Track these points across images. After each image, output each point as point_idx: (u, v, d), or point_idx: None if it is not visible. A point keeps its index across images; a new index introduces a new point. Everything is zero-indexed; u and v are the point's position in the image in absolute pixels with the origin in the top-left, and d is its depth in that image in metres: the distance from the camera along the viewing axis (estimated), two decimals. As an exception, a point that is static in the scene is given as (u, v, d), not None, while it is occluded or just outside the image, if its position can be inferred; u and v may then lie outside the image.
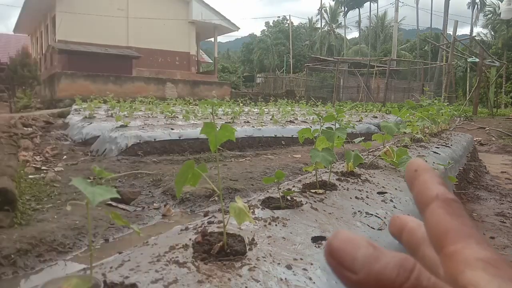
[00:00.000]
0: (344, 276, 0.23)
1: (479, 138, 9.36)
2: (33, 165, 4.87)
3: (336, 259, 0.23)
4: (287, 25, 48.44)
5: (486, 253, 0.26)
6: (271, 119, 9.04)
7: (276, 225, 1.50)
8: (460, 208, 0.29)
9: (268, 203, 1.74)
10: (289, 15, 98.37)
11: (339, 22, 52.46)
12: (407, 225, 0.34)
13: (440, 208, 0.28)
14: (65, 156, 5.76)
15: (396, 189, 2.40)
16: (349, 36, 62.88)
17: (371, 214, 1.86)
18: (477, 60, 17.65)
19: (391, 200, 2.14)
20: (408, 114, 3.49)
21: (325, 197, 1.96)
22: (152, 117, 8.92)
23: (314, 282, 1.14)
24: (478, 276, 0.24)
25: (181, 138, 6.40)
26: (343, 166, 2.62)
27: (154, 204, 3.70)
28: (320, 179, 2.18)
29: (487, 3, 42.32)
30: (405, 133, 3.65)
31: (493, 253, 0.26)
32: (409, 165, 0.32)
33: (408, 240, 0.34)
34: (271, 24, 51.00)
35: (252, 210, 1.62)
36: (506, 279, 0.24)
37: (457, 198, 0.30)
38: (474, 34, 37.49)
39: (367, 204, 2.00)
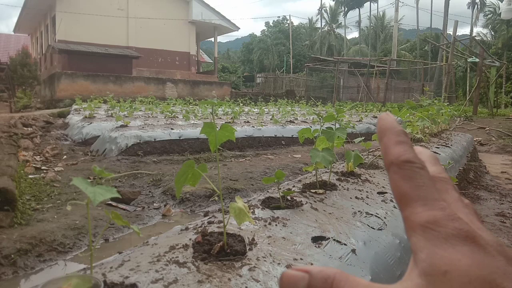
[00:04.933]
0: None
1: (479, 138, 9.36)
2: (33, 165, 4.87)
3: None
4: (287, 25, 48.42)
5: (428, 215, 0.27)
6: (271, 119, 9.04)
7: (276, 225, 1.50)
8: (412, 168, 0.29)
9: (268, 203, 1.74)
10: (289, 15, 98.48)
11: (339, 22, 52.42)
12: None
13: (395, 174, 0.29)
14: (65, 156, 5.76)
15: (396, 189, 2.40)
16: (349, 36, 62.88)
17: (371, 214, 1.86)
18: (477, 60, 17.64)
19: (391, 200, 2.14)
20: (408, 114, 3.49)
21: (325, 197, 1.96)
22: (152, 117, 8.92)
23: (314, 282, 1.14)
24: (417, 242, 0.27)
25: (181, 138, 6.40)
26: (343, 166, 2.62)
27: (154, 204, 3.70)
28: (320, 179, 2.18)
29: (487, 3, 42.29)
30: (405, 133, 3.65)
31: (437, 211, 0.27)
32: (377, 125, 0.33)
33: None
34: (271, 24, 50.99)
35: (252, 210, 1.62)
36: (438, 240, 0.26)
37: (412, 157, 0.29)
38: (474, 34, 37.49)
39: (367, 204, 2.00)
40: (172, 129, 6.64)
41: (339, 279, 0.26)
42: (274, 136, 7.70)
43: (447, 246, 0.26)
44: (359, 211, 1.87)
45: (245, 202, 1.49)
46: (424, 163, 0.30)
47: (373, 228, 1.72)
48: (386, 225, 1.79)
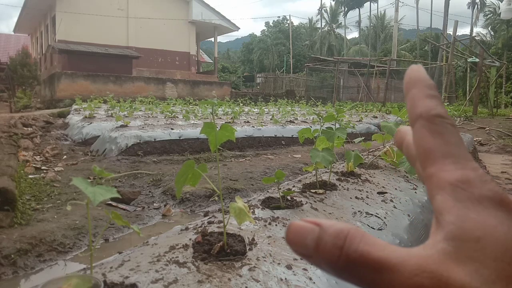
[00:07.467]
0: (305, 259, 0.25)
1: (479, 138, 9.36)
2: (33, 165, 4.87)
3: (294, 250, 0.25)
4: (287, 25, 48.44)
5: (460, 174, 0.25)
6: (271, 119, 9.04)
7: (276, 225, 1.50)
8: (443, 124, 0.27)
9: (268, 203, 1.74)
10: (289, 15, 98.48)
11: (339, 22, 52.45)
12: (406, 138, 0.32)
13: (423, 127, 0.27)
14: (65, 156, 5.76)
15: (396, 189, 2.40)
16: (349, 36, 62.89)
17: (371, 214, 1.86)
18: (477, 60, 17.64)
19: (391, 200, 2.14)
20: (408, 114, 3.49)
21: (325, 197, 1.96)
22: (152, 117, 8.92)
23: (314, 282, 1.14)
24: (444, 201, 0.24)
25: (181, 138, 6.40)
26: (343, 166, 2.62)
27: (154, 204, 3.70)
28: (320, 179, 2.18)
29: (487, 3, 42.30)
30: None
31: (469, 171, 0.25)
32: (405, 76, 0.31)
33: (406, 153, 0.32)
34: (271, 24, 51.03)
35: (252, 210, 1.62)
36: (470, 201, 0.24)
37: (444, 112, 0.28)
38: (474, 34, 37.49)
39: (367, 204, 2.00)
40: (172, 129, 6.64)
41: (354, 235, 0.24)
42: (274, 136, 7.70)
43: (480, 209, 0.23)
44: (359, 211, 1.87)
45: (245, 202, 1.49)
46: (454, 121, 0.28)
47: (373, 228, 1.72)
48: (386, 225, 1.79)
